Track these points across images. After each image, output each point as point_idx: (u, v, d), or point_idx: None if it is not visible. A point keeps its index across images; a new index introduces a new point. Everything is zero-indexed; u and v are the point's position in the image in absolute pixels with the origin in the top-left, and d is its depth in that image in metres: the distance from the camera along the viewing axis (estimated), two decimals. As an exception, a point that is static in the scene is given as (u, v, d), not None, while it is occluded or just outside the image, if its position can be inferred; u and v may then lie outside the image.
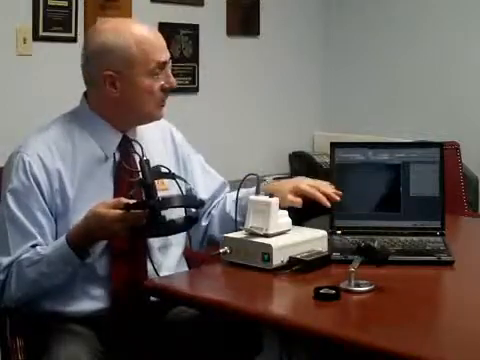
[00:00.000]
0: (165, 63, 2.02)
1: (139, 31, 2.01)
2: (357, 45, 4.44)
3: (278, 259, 1.87)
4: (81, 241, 1.88)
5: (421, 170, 2.21)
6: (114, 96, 2.00)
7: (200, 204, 1.95)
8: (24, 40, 3.29)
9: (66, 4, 3.39)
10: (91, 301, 1.97)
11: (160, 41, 2.05)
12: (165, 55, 2.03)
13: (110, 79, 1.98)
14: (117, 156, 2.03)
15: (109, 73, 1.97)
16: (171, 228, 1.92)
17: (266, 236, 1.91)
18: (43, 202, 1.95)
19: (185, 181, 2.04)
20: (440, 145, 2.24)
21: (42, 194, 1.95)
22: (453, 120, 4.01)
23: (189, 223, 1.96)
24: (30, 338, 1.96)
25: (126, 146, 2.04)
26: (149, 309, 1.99)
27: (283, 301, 1.81)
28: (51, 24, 3.36)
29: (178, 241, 2.12)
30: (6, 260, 1.92)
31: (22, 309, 1.97)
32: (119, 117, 2.04)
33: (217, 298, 1.78)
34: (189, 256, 2.22)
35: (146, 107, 2.03)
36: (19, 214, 1.93)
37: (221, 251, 1.92)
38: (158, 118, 2.08)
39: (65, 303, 1.96)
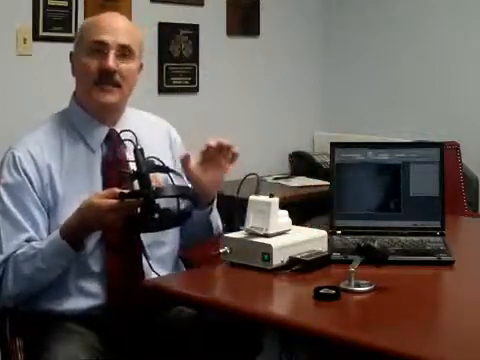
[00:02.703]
0: (102, 43, 2.00)
1: (98, 15, 2.10)
2: (357, 45, 4.44)
3: (278, 259, 1.87)
4: (75, 233, 1.89)
5: (421, 170, 2.21)
6: (75, 78, 2.08)
7: (194, 195, 1.95)
8: (24, 40, 3.29)
9: (66, 4, 3.39)
10: (86, 298, 1.97)
11: (108, 23, 2.04)
12: (106, 36, 2.00)
13: (71, 62, 2.10)
14: (104, 149, 2.04)
15: (70, 54, 2.11)
16: (165, 218, 1.89)
17: (266, 236, 1.91)
18: (35, 196, 1.96)
19: (180, 175, 2.03)
20: (440, 145, 2.24)
21: (33, 188, 1.96)
22: (453, 120, 4.00)
23: (183, 216, 1.95)
24: (29, 338, 1.96)
25: (114, 138, 2.04)
26: (147, 307, 1.99)
27: (283, 301, 1.81)
28: (51, 24, 3.35)
29: (170, 238, 2.11)
30: (1, 256, 1.93)
31: (20, 308, 1.97)
32: (86, 104, 2.06)
33: (217, 298, 1.79)
34: (188, 256, 2.21)
35: (83, 86, 2.04)
36: (12, 208, 1.95)
37: (221, 251, 1.92)
38: (99, 102, 2.02)
39: (61, 301, 1.96)
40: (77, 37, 2.11)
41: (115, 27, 2.03)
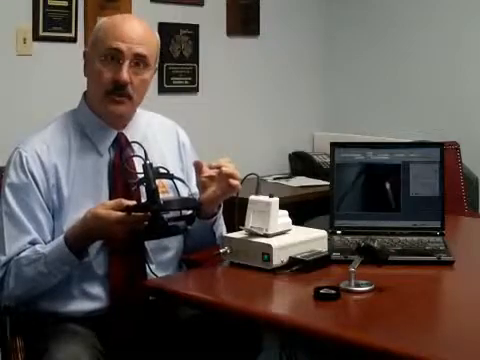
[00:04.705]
0: (117, 50, 1.97)
1: (116, 17, 2.06)
2: (357, 45, 4.44)
3: (278, 259, 1.87)
4: (79, 241, 1.89)
5: (421, 170, 2.21)
6: (86, 78, 2.06)
7: (198, 205, 1.96)
8: (24, 40, 3.29)
9: (66, 4, 3.39)
10: (89, 301, 1.97)
11: (125, 30, 1.99)
12: (122, 45, 1.97)
13: (83, 60, 2.06)
14: (112, 154, 2.04)
15: (84, 53, 2.08)
16: (171, 231, 1.91)
17: (266, 236, 1.91)
18: (40, 198, 1.95)
19: (184, 182, 2.04)
20: (440, 145, 2.24)
21: (39, 190, 1.96)
22: (453, 120, 4.00)
23: (187, 224, 1.96)
24: (30, 338, 1.96)
25: (123, 146, 2.04)
26: (148, 309, 1.99)
27: (283, 301, 1.81)
28: (51, 24, 3.35)
29: (174, 243, 2.11)
30: (4, 257, 1.93)
31: (21, 309, 1.97)
32: (96, 108, 2.04)
33: (217, 298, 1.79)
34: (188, 258, 2.21)
35: (96, 92, 2.02)
36: (17, 209, 1.94)
37: (221, 251, 1.92)
38: (109, 112, 2.01)
39: (64, 303, 1.96)
40: (92, 36, 2.07)
41: (132, 35, 1.99)
